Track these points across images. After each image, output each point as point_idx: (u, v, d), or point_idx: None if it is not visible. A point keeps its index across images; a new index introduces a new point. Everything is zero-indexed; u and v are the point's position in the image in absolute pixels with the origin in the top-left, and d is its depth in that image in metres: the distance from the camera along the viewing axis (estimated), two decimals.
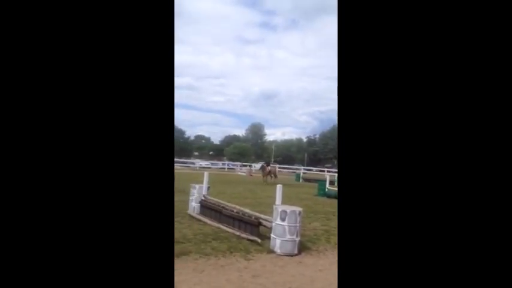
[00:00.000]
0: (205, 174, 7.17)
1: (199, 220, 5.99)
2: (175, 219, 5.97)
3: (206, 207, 6.34)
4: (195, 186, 6.80)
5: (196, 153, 55.28)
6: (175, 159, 33.67)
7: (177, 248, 4.14)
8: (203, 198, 6.62)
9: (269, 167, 18.19)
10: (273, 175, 17.66)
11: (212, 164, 34.09)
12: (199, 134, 65.96)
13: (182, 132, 56.29)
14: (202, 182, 6.93)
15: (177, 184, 10.75)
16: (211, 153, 56.61)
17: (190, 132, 62.47)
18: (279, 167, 36.03)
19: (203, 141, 63.31)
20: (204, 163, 33.29)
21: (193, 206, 6.62)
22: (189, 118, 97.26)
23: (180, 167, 27.38)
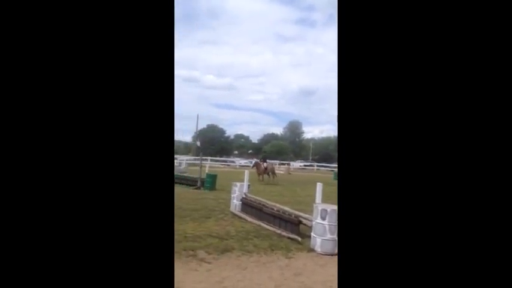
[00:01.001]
0: (246, 172, 7.36)
1: (240, 217, 6.18)
2: (219, 216, 6.21)
3: (247, 205, 6.51)
4: (236, 184, 7.00)
5: (236, 152, 56.17)
6: (216, 158, 34.11)
7: (221, 244, 4.34)
8: (244, 196, 6.80)
9: (265, 164, 15.31)
10: (270, 173, 15.03)
11: (251, 162, 34.43)
12: (239, 133, 66.91)
13: (222, 132, 57.43)
14: (242, 180, 7.11)
15: (219, 182, 11.05)
16: (250, 151, 57.23)
17: (230, 132, 63.59)
18: (317, 165, 35.45)
19: (242, 140, 64.10)
20: (243, 161, 33.75)
21: (235, 203, 6.84)
22: (229, 117, 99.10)
23: (221, 165, 28.05)
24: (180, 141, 59.64)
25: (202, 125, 53.73)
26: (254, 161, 16.13)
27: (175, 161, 21.04)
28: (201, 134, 48.86)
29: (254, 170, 14.98)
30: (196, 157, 28.22)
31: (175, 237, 4.52)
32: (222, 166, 27.35)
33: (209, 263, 3.70)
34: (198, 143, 41.40)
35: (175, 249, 3.97)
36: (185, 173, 14.37)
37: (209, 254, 3.96)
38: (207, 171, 11.44)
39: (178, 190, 10.14)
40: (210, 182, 10.71)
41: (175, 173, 13.53)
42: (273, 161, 32.84)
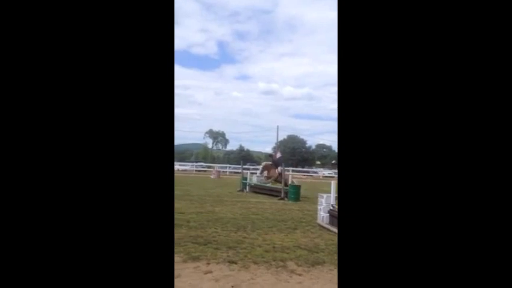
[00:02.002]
0: (332, 183, 7.06)
1: (328, 230, 5.92)
2: (306, 228, 6.06)
3: (335, 217, 6.21)
4: (322, 196, 6.77)
5: (318, 163, 55.08)
6: (298, 169, 34.22)
7: (311, 257, 4.18)
8: (331, 208, 6.51)
9: (279, 168, 11.63)
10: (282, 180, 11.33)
11: (335, 173, 33.29)
12: (321, 143, 65.68)
13: (303, 142, 57.14)
14: (327, 191, 6.84)
15: (304, 193, 10.85)
16: (333, 162, 55.47)
17: (312, 142, 62.99)
18: None
19: (324, 149, 62.71)
20: (326, 172, 32.87)
21: (322, 215, 6.59)
22: (310, 127, 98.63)
23: (303, 176, 27.78)
24: (261, 152, 61.18)
25: (283, 136, 54.29)
26: (263, 164, 12.16)
27: (257, 171, 21.53)
28: (281, 145, 49.34)
29: (264, 176, 11.80)
30: None
31: (264, 247, 4.53)
32: (305, 177, 27.04)
33: (300, 275, 3.58)
34: (279, 154, 41.80)
35: (265, 259, 3.97)
36: (268, 183, 14.56)
37: (299, 265, 3.85)
38: (289, 181, 11.37)
39: (263, 200, 10.31)
40: (294, 193, 10.62)
41: (259, 183, 13.86)
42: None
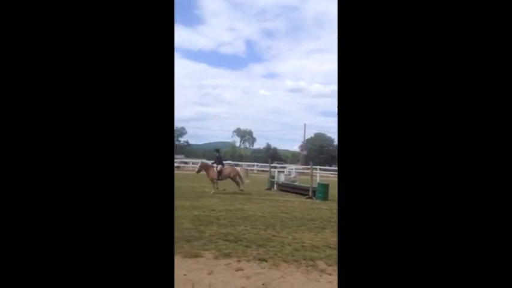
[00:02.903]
0: None
1: None
2: (335, 228, 6.00)
3: None
4: None
5: None
6: (326, 167, 33.54)
7: (328, 253, 4.16)
8: None
9: (219, 166, 10.86)
10: (234, 178, 10.83)
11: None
12: None
13: (331, 140, 56.16)
14: None
15: (331, 192, 10.72)
16: None
17: None
18: None
19: None
20: None
21: None
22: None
23: (331, 174, 27.39)
24: (288, 151, 60.94)
25: (310, 134, 53.71)
26: (200, 162, 11.55)
27: (285, 170, 21.52)
28: (308, 143, 48.88)
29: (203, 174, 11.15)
30: (305, 166, 28.34)
31: (293, 245, 4.56)
32: (333, 175, 26.64)
33: (330, 274, 3.58)
34: (305, 152, 41.57)
35: (295, 258, 4.00)
36: (295, 182, 14.52)
37: (329, 265, 3.84)
38: (317, 180, 11.28)
39: (291, 199, 10.31)
40: (322, 192, 10.53)
41: (286, 182, 13.87)
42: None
